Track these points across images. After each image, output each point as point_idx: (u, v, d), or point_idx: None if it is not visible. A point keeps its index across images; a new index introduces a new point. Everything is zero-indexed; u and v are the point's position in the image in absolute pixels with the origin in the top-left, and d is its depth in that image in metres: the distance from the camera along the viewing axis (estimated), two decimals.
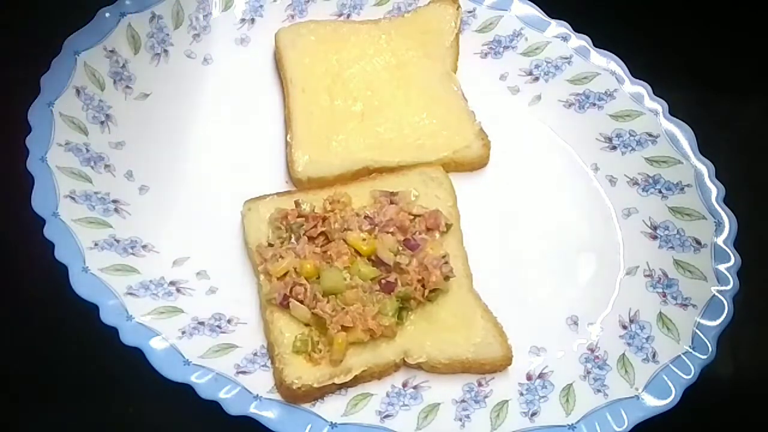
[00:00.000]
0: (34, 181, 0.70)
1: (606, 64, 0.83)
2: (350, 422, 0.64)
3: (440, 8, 0.86)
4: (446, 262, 0.70)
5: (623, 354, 0.69)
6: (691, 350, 0.68)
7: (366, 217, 0.72)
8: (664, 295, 0.72)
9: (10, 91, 0.79)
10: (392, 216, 0.72)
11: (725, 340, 0.69)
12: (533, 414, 0.66)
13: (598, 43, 0.84)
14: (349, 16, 0.87)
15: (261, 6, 0.86)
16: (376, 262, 0.70)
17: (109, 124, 0.77)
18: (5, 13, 0.84)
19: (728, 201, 0.75)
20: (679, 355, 0.68)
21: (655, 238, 0.76)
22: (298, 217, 0.72)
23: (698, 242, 0.74)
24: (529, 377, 0.68)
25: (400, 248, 0.71)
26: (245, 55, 0.84)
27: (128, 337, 0.64)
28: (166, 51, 0.82)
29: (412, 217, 0.73)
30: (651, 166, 0.78)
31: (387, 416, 0.65)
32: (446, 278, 0.69)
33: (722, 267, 0.72)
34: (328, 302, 0.67)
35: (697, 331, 0.69)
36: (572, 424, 0.65)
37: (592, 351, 0.70)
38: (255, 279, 0.71)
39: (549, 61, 0.84)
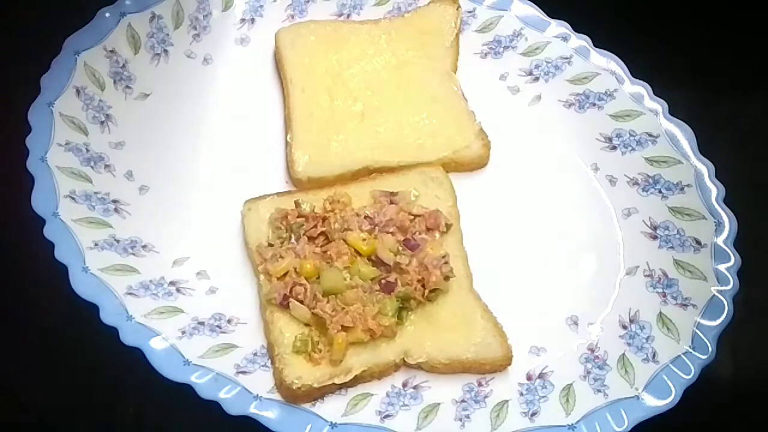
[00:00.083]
0: (34, 181, 0.70)
1: (606, 64, 0.83)
2: (350, 422, 0.64)
3: (440, 8, 0.86)
4: (446, 262, 0.70)
5: (623, 354, 0.69)
6: (691, 350, 0.68)
7: (366, 217, 0.72)
8: (664, 295, 0.72)
9: (10, 91, 0.79)
10: (392, 216, 0.72)
11: (725, 340, 0.69)
12: (533, 414, 0.66)
13: (598, 43, 0.84)
14: (349, 16, 0.87)
15: (261, 6, 0.86)
16: (376, 262, 0.70)
17: (109, 124, 0.77)
18: (5, 13, 0.84)
19: (728, 201, 0.75)
20: (679, 355, 0.68)
21: (655, 238, 0.75)
22: (298, 217, 0.72)
23: (698, 242, 0.74)
24: (529, 377, 0.68)
25: (400, 248, 0.71)
26: (245, 55, 0.84)
27: (128, 337, 0.64)
28: (166, 51, 0.82)
29: (412, 217, 0.73)
30: (651, 166, 0.78)
31: (387, 416, 0.65)
32: (446, 278, 0.69)
33: (722, 267, 0.72)
34: (328, 302, 0.67)
35: (697, 331, 0.69)
36: (572, 424, 0.65)
37: (592, 351, 0.70)
38: (255, 279, 0.71)
39: (549, 61, 0.84)
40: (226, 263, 0.72)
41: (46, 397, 0.69)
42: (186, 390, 0.63)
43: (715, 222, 0.74)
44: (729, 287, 0.71)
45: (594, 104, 0.82)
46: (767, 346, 0.76)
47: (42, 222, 0.68)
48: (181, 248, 0.72)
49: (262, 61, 0.84)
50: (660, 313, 0.71)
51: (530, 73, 0.85)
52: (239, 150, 0.79)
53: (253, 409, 0.63)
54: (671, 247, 0.74)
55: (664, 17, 0.93)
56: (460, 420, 0.65)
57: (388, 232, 0.71)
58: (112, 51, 0.79)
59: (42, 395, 0.69)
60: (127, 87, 0.80)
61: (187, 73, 0.82)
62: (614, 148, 0.80)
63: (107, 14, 0.80)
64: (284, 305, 0.67)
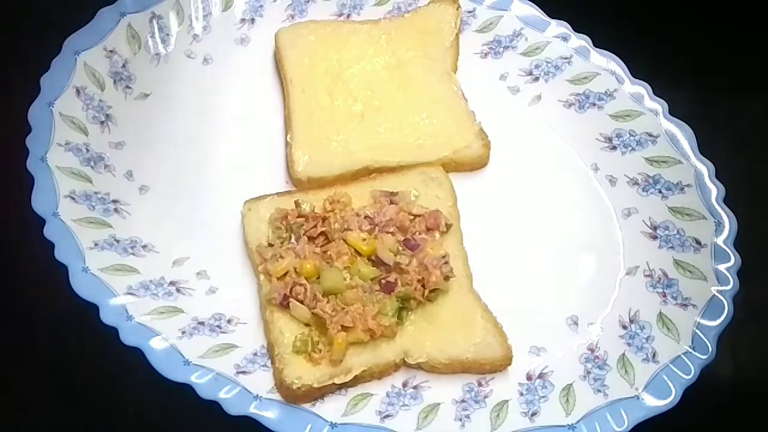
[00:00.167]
0: (34, 181, 0.70)
1: (606, 64, 0.83)
2: (350, 422, 0.64)
3: (440, 8, 0.86)
4: (446, 262, 0.70)
5: (623, 354, 0.69)
6: (691, 350, 0.68)
7: (366, 217, 0.72)
8: (664, 295, 0.72)
9: (10, 91, 0.79)
10: (392, 216, 0.72)
11: (725, 340, 0.69)
12: (533, 414, 0.66)
13: (598, 43, 0.84)
14: (349, 16, 0.87)
15: (261, 6, 0.86)
16: (376, 262, 0.70)
17: (109, 124, 0.77)
18: (5, 13, 0.84)
19: (728, 201, 0.75)
20: (679, 355, 0.68)
21: (655, 238, 0.75)
22: (298, 217, 0.72)
23: (698, 242, 0.74)
24: (529, 377, 0.68)
25: (400, 248, 0.71)
26: (245, 55, 0.84)
27: (128, 337, 0.64)
28: (166, 51, 0.82)
29: (412, 217, 0.73)
30: (651, 166, 0.78)
31: (387, 416, 0.65)
32: (446, 278, 0.69)
33: (722, 267, 0.72)
34: (328, 302, 0.67)
35: (697, 331, 0.69)
36: (572, 424, 0.65)
37: (592, 351, 0.70)
38: (255, 279, 0.71)
39: (549, 61, 0.84)
40: (226, 263, 0.72)
41: (46, 397, 0.69)
42: (186, 390, 0.63)
43: (715, 222, 0.74)
44: (729, 287, 0.71)
45: (594, 104, 0.82)
46: (767, 346, 0.76)
47: (42, 222, 0.68)
48: (181, 248, 0.72)
49: (262, 61, 0.84)
50: (660, 313, 0.71)
51: (530, 73, 0.85)
52: (239, 150, 0.79)
53: (253, 409, 0.63)
54: (671, 247, 0.74)
55: (664, 17, 0.93)
56: (460, 420, 0.65)
57: (388, 232, 0.71)
58: (112, 51, 0.79)
59: (42, 395, 0.69)
60: (127, 87, 0.79)
61: (187, 73, 0.82)
62: (614, 148, 0.80)
63: (107, 14, 0.80)
64: (284, 305, 0.67)
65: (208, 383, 0.63)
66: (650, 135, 0.79)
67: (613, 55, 0.83)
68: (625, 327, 0.71)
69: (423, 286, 0.68)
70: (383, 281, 0.68)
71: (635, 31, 0.89)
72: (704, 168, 0.76)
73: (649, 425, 0.66)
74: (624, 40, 0.84)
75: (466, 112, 0.81)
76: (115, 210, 0.72)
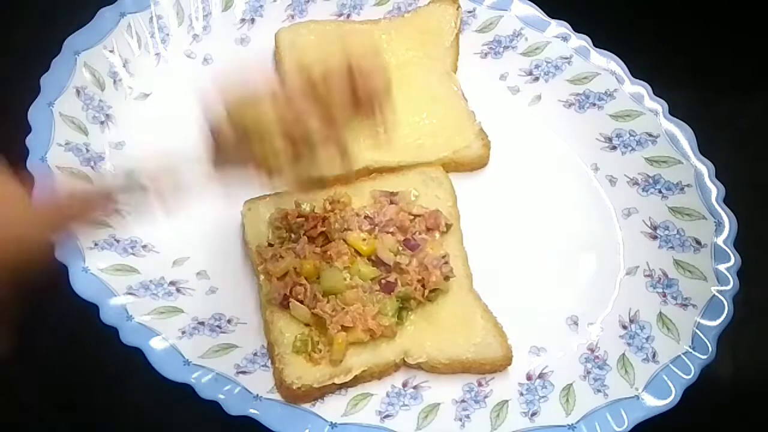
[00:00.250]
0: (34, 182, 0.70)
1: (606, 64, 0.83)
2: (350, 422, 0.64)
3: (440, 8, 0.86)
4: (446, 262, 0.70)
5: (623, 354, 0.69)
6: (691, 350, 0.68)
7: (366, 217, 0.72)
8: (664, 295, 0.72)
9: (10, 91, 0.78)
10: (392, 216, 0.72)
11: (725, 340, 0.69)
12: (533, 414, 0.66)
13: (598, 43, 0.84)
14: (349, 16, 0.86)
15: (261, 6, 0.86)
16: (376, 262, 0.70)
17: (109, 124, 0.77)
18: (5, 13, 0.84)
19: (728, 201, 0.75)
20: (679, 355, 0.68)
21: (655, 238, 0.75)
22: (298, 217, 0.71)
23: (698, 242, 0.74)
24: (529, 377, 0.68)
25: (400, 248, 0.71)
26: (245, 55, 0.84)
27: (128, 337, 0.64)
28: (166, 51, 0.82)
29: (412, 217, 0.73)
30: (651, 166, 0.78)
31: (387, 416, 0.65)
32: (446, 278, 0.69)
33: (722, 267, 0.72)
34: (328, 302, 0.67)
35: (697, 331, 0.69)
36: (572, 424, 0.65)
37: (592, 351, 0.70)
38: (255, 279, 0.70)
39: (549, 61, 0.84)
40: (226, 263, 0.72)
41: (46, 397, 0.69)
42: (186, 390, 0.63)
43: (715, 222, 0.74)
44: (729, 287, 0.71)
45: (594, 104, 0.82)
46: (767, 346, 0.76)
47: None
48: (181, 248, 0.72)
49: (262, 61, 0.84)
50: (660, 313, 0.71)
51: (530, 73, 0.84)
52: None
53: (253, 409, 0.63)
54: (671, 247, 0.74)
55: (664, 17, 0.93)
56: (460, 420, 0.65)
57: (388, 232, 0.71)
58: (111, 51, 0.79)
59: (41, 395, 0.69)
60: (127, 87, 0.80)
61: (187, 73, 0.82)
62: (614, 148, 0.80)
63: (107, 14, 0.80)
64: (284, 305, 0.67)
65: (208, 383, 0.63)
66: (650, 135, 0.79)
67: (613, 55, 0.83)
68: (625, 327, 0.71)
69: (423, 286, 0.68)
70: (383, 281, 0.68)
71: (635, 31, 0.89)
72: (704, 168, 0.76)
73: (649, 425, 0.65)
74: (624, 40, 0.84)
75: (466, 112, 0.81)
76: (115, 209, 0.72)
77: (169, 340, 0.65)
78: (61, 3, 0.85)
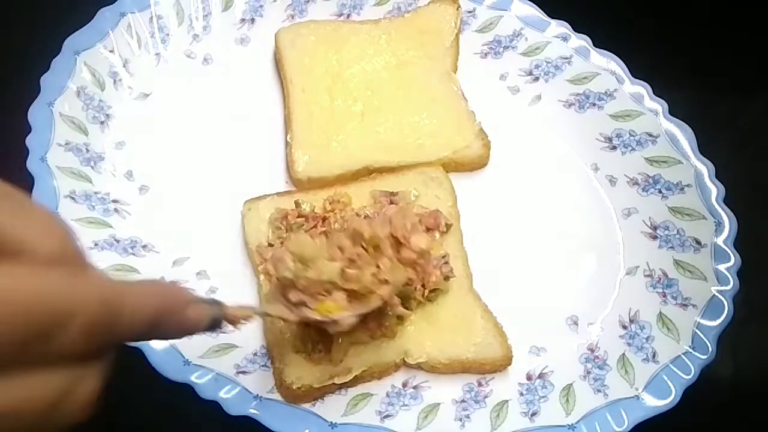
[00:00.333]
0: (34, 182, 0.70)
1: (606, 64, 0.83)
2: (350, 422, 0.64)
3: (440, 8, 0.86)
4: (446, 262, 0.70)
5: (623, 354, 0.69)
6: (691, 350, 0.68)
7: (366, 216, 0.72)
8: (664, 295, 0.72)
9: (10, 91, 0.79)
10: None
11: (725, 340, 0.69)
12: (533, 414, 0.66)
13: (598, 43, 0.84)
14: (349, 16, 0.86)
15: (261, 6, 0.86)
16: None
17: (109, 124, 0.77)
18: (5, 13, 0.84)
19: (728, 201, 0.75)
20: (679, 355, 0.68)
21: (655, 238, 0.75)
22: (298, 217, 0.72)
23: (698, 242, 0.74)
24: (529, 377, 0.68)
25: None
26: (245, 55, 0.84)
27: None
28: (166, 51, 0.82)
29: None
30: (651, 166, 0.78)
31: (387, 416, 0.65)
32: (446, 278, 0.69)
33: (722, 267, 0.72)
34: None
35: (697, 331, 0.69)
36: (572, 424, 0.65)
37: (592, 351, 0.70)
38: (255, 279, 0.71)
39: (549, 61, 0.84)
40: (226, 263, 0.72)
41: None
42: (186, 390, 0.63)
43: (715, 222, 0.74)
44: (729, 287, 0.70)
45: (594, 104, 0.82)
46: (767, 346, 0.76)
47: None
48: (180, 248, 0.72)
49: (262, 61, 0.84)
50: (660, 313, 0.71)
51: (530, 73, 0.84)
52: (239, 150, 0.79)
53: (253, 410, 0.63)
54: (671, 247, 0.74)
55: (664, 17, 0.93)
56: (460, 420, 0.65)
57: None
58: (111, 51, 0.79)
59: None
60: (128, 87, 0.80)
61: (187, 74, 0.82)
62: (614, 148, 0.80)
63: (107, 14, 0.80)
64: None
65: (208, 383, 0.63)
66: (650, 135, 0.79)
67: (613, 55, 0.83)
68: (625, 327, 0.71)
69: (423, 286, 0.68)
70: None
71: (635, 31, 0.89)
72: (704, 168, 0.76)
73: (648, 425, 0.65)
74: (624, 40, 0.84)
75: (466, 112, 0.81)
76: (115, 210, 0.73)
77: (168, 340, 0.64)
78: (61, 3, 0.86)
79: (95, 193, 0.72)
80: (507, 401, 0.67)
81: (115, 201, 0.73)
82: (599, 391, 0.67)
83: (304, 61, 0.82)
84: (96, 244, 0.68)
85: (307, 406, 0.64)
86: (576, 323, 0.72)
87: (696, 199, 0.75)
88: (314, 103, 0.80)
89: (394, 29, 0.85)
